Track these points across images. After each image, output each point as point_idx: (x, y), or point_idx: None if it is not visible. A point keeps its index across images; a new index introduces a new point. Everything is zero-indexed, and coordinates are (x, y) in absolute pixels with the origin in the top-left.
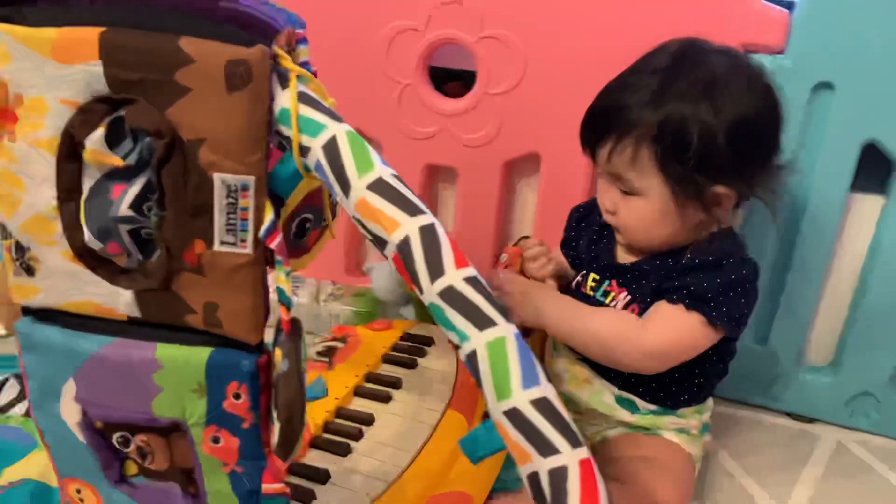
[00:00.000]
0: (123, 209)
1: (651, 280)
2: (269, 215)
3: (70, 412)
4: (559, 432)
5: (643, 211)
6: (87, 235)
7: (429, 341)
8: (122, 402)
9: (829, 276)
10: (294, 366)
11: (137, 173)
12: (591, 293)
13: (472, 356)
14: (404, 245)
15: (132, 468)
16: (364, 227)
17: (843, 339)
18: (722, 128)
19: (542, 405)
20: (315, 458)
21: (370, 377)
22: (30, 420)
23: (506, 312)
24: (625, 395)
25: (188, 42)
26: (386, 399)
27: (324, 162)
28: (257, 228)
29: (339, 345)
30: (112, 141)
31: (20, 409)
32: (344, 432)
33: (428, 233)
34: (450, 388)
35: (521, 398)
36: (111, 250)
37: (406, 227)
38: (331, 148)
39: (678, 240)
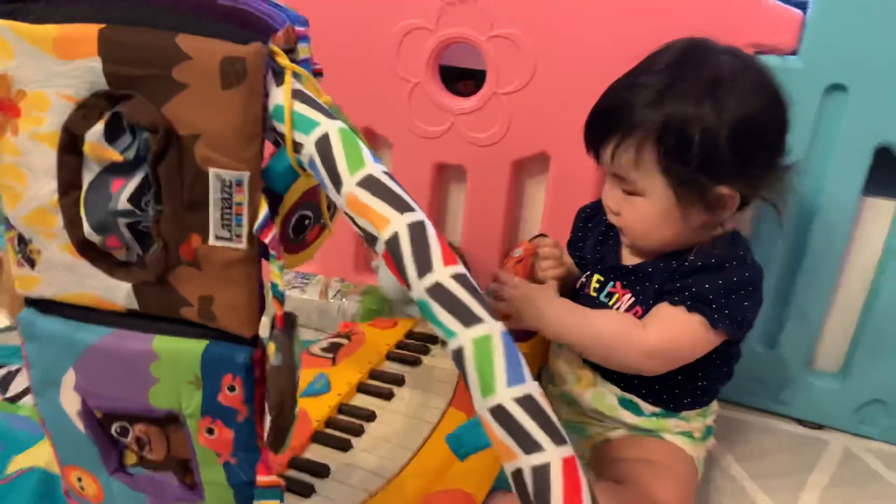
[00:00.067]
0: (122, 203)
1: (654, 282)
2: (263, 210)
3: (70, 401)
4: (543, 430)
5: (646, 212)
6: (87, 229)
7: (433, 339)
8: (120, 393)
9: (840, 280)
10: (287, 359)
11: (136, 168)
12: (595, 294)
13: (459, 353)
14: (393, 241)
15: (131, 458)
16: (355, 223)
17: (853, 345)
18: (724, 128)
19: (526, 403)
20: (316, 453)
21: (373, 374)
22: None
23: (492, 309)
24: (627, 396)
25: (185, 39)
26: (388, 396)
27: (316, 158)
28: (252, 223)
29: (344, 341)
30: (111, 136)
31: (31, 398)
32: (345, 428)
33: (417, 229)
34: (452, 387)
35: (506, 395)
36: (110, 243)
37: (395, 224)
38: (323, 144)
39: (682, 241)
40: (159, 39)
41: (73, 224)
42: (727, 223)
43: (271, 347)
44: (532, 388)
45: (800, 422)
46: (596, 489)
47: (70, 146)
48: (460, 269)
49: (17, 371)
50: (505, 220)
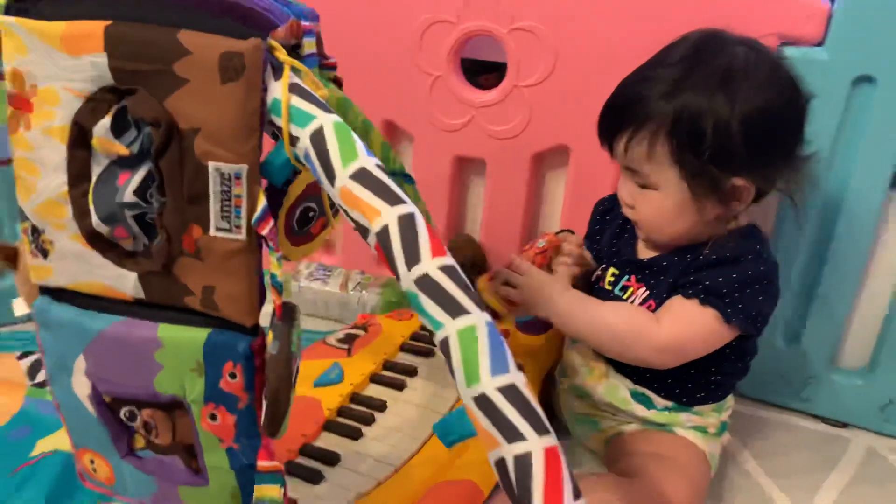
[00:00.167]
0: (128, 195)
1: (669, 276)
2: (261, 203)
3: (81, 386)
4: (525, 419)
5: (660, 205)
6: (95, 220)
7: None
8: (127, 378)
9: (866, 276)
10: (284, 348)
11: (141, 161)
12: (610, 288)
13: (445, 343)
14: (384, 233)
15: (140, 441)
16: (349, 215)
17: (879, 342)
18: (737, 120)
19: (509, 392)
20: (327, 441)
21: (387, 365)
22: None
23: (479, 301)
24: (640, 389)
25: (186, 35)
26: (400, 387)
27: (311, 151)
28: (250, 215)
29: (361, 332)
30: (118, 130)
31: None
32: (357, 417)
33: (406, 222)
34: None
35: (490, 385)
36: (118, 234)
37: (386, 216)
38: (317, 137)
39: (697, 234)
40: (162, 35)
41: (82, 215)
42: (742, 217)
43: (270, 336)
44: (516, 378)
45: (823, 419)
46: (605, 482)
47: (79, 140)
48: (448, 260)
49: None
50: (525, 214)
